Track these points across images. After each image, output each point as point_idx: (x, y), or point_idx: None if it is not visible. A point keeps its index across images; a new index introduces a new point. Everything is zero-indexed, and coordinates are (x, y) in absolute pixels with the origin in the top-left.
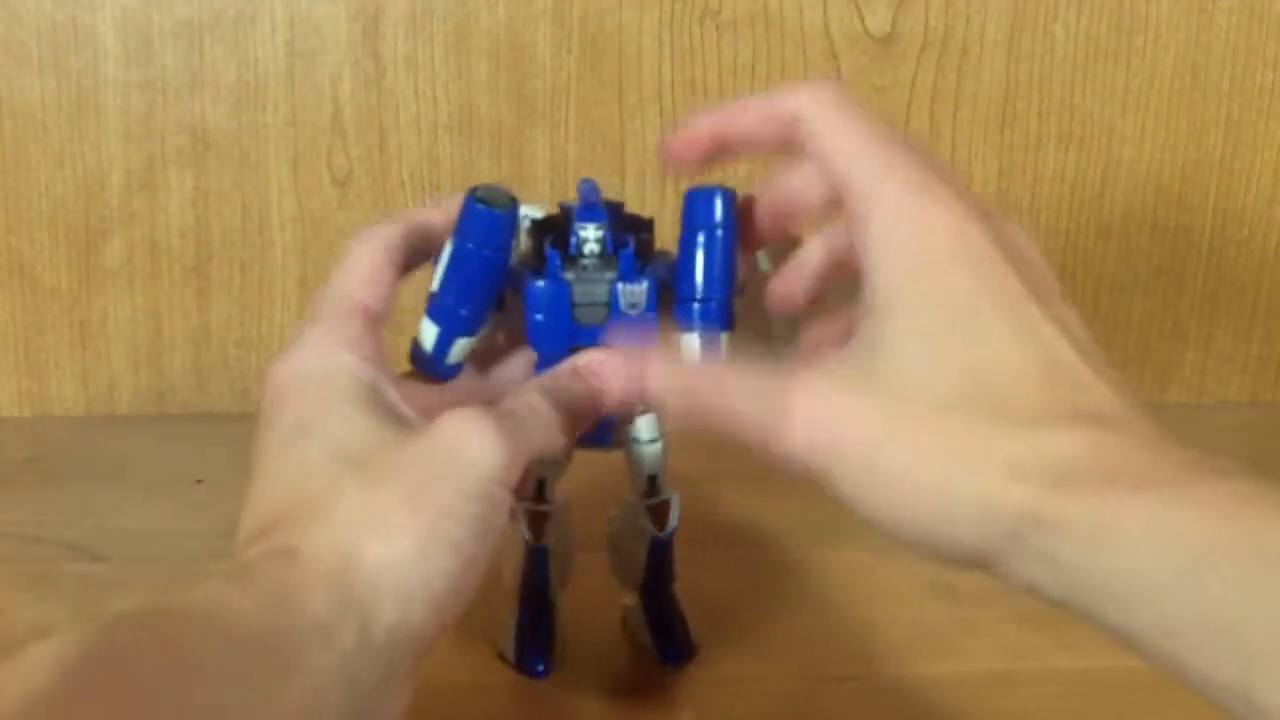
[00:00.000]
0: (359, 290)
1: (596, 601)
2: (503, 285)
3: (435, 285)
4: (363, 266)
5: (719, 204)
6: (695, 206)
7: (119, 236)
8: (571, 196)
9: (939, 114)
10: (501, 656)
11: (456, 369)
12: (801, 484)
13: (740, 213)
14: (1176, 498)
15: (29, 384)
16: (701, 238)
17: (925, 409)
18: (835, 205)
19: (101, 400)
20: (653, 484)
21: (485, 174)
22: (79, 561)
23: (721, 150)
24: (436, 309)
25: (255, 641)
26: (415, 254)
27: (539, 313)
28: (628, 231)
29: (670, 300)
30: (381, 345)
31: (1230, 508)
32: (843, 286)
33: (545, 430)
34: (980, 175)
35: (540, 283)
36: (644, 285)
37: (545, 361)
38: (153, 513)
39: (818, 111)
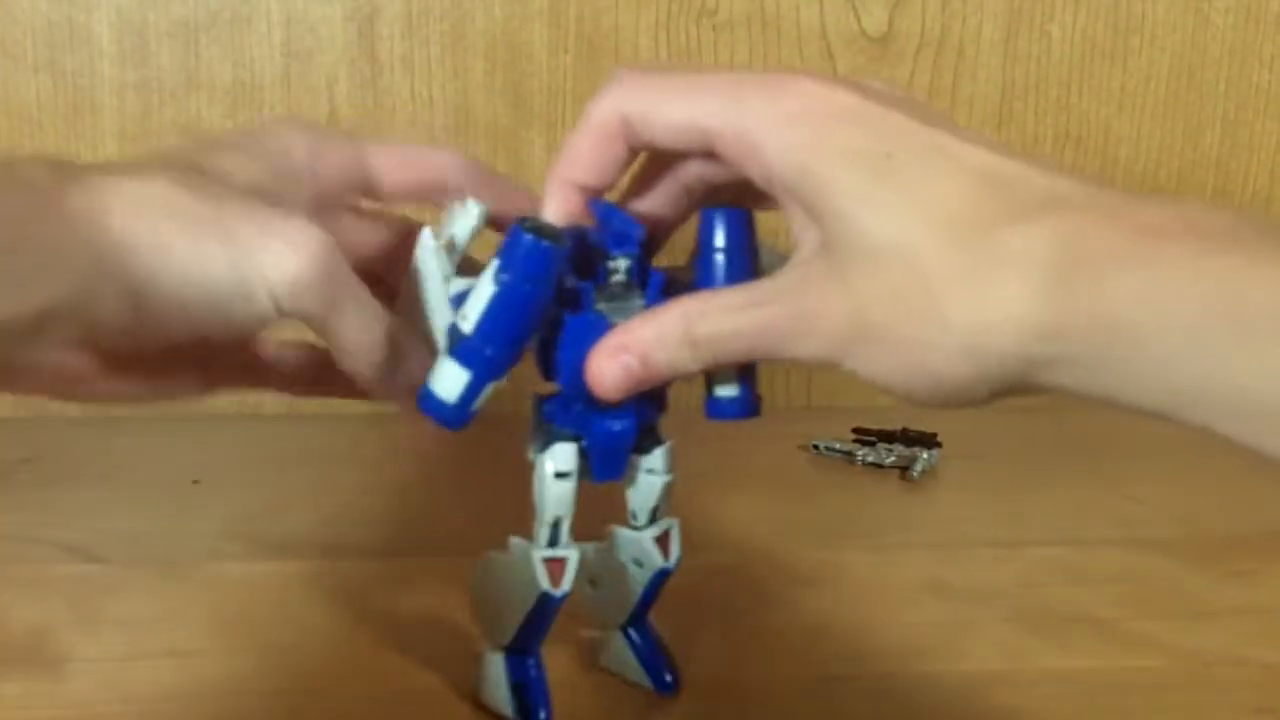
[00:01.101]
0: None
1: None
2: (539, 327)
3: (468, 326)
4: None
5: (735, 225)
6: (709, 228)
7: None
8: None
9: None
10: (484, 708)
11: (473, 418)
12: (801, 484)
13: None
14: (1172, 268)
15: None
16: (720, 259)
17: (890, 270)
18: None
19: None
20: (654, 515)
21: None
22: (76, 562)
23: (602, 188)
24: (468, 352)
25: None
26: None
27: (575, 346)
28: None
29: None
30: (349, 168)
31: (1226, 270)
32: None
33: (360, 335)
34: None
35: (580, 316)
36: None
37: (575, 395)
38: (150, 513)
39: (632, 102)
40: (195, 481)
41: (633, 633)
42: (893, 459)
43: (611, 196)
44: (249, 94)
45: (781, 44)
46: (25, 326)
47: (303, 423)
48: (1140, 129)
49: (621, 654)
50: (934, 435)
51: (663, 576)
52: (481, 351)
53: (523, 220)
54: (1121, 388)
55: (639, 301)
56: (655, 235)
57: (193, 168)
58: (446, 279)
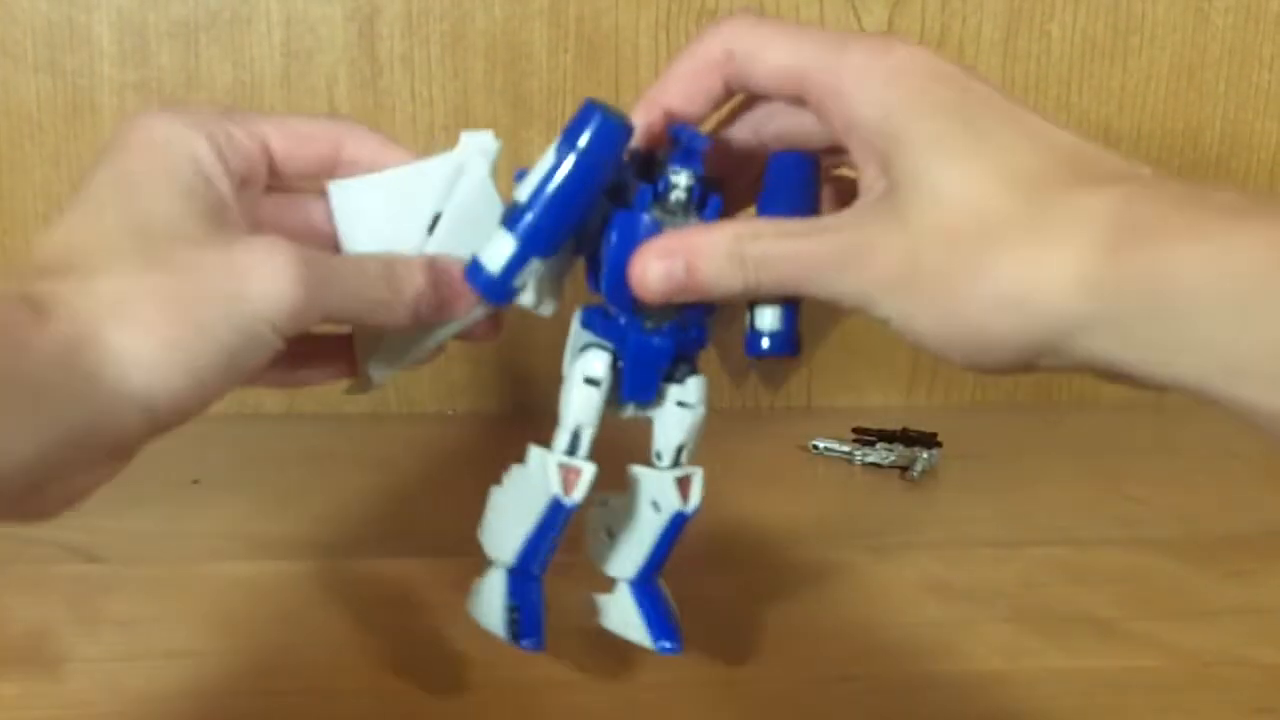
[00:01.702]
0: (274, 130)
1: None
2: (593, 209)
3: (522, 196)
4: (304, 126)
5: (800, 166)
6: (780, 168)
7: None
8: None
9: None
10: (476, 620)
11: (515, 294)
12: (801, 484)
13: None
14: (1227, 238)
15: None
16: (787, 199)
17: (954, 223)
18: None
19: None
20: (679, 455)
21: None
22: (76, 562)
23: (688, 118)
24: (516, 219)
25: None
26: (335, 167)
27: (623, 243)
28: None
29: None
30: (251, 174)
31: (1273, 245)
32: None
33: (368, 295)
34: None
35: (630, 213)
36: None
37: (615, 298)
38: (149, 513)
39: (743, 37)
40: (195, 481)
41: (640, 588)
42: (893, 459)
43: None
44: (249, 94)
45: None
46: (48, 467)
47: (303, 423)
48: (1140, 128)
49: (625, 612)
50: (934, 435)
51: (680, 522)
52: (528, 220)
53: (591, 99)
54: (1164, 357)
55: (695, 220)
56: (725, 179)
57: (137, 231)
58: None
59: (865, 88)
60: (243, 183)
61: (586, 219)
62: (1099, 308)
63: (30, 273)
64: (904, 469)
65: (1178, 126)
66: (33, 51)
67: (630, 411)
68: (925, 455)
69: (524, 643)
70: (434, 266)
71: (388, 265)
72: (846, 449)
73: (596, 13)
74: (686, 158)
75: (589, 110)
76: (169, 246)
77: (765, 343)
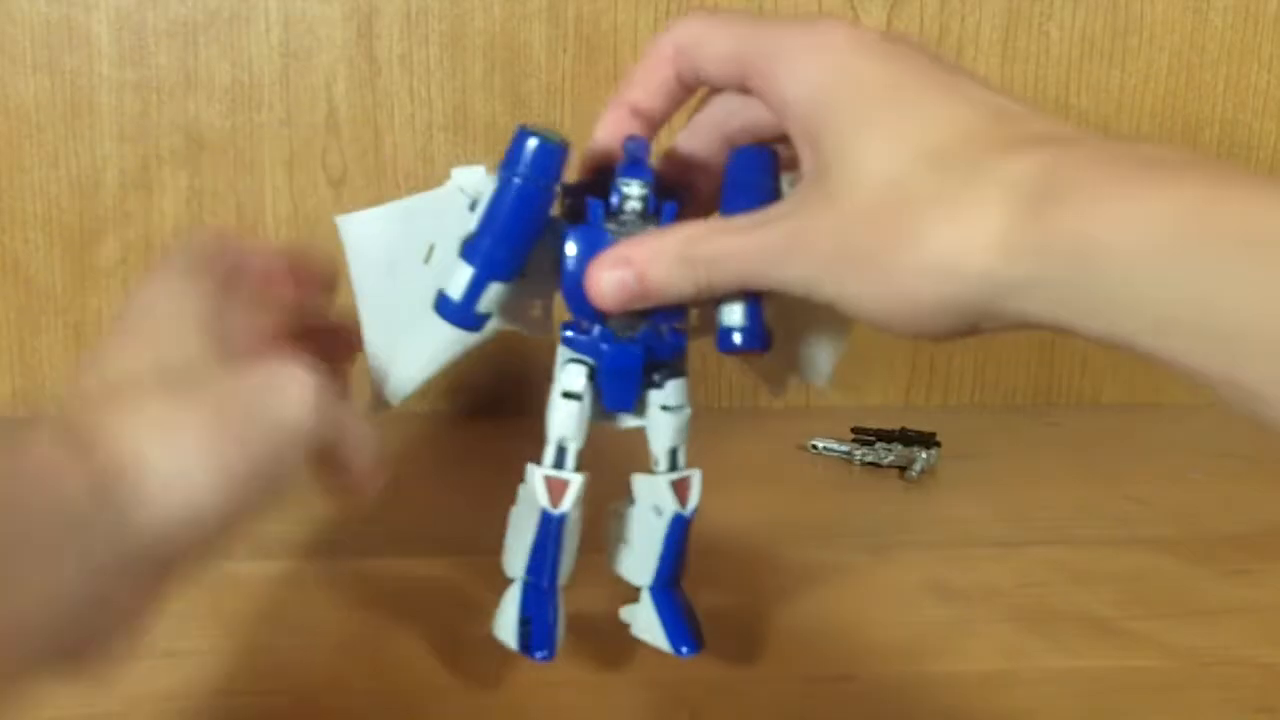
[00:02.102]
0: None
1: (590, 601)
2: (542, 231)
3: (473, 225)
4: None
5: (760, 161)
6: (740, 164)
7: (113, 236)
8: None
9: None
10: (496, 639)
11: (484, 320)
12: (800, 484)
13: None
14: (1148, 194)
15: (24, 384)
16: (742, 194)
17: (878, 194)
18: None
19: None
20: (673, 458)
21: None
22: None
23: (645, 124)
24: (472, 250)
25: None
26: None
27: (579, 257)
28: (666, 196)
29: None
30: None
31: (1203, 196)
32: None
33: (352, 442)
34: None
35: (582, 227)
36: None
37: (580, 311)
38: None
39: (689, 30)
40: None
41: (660, 594)
42: (891, 459)
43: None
44: (247, 93)
45: None
46: (100, 603)
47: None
48: (1139, 128)
49: (648, 619)
50: (933, 435)
51: (680, 524)
52: (481, 246)
53: (524, 124)
54: (1091, 314)
55: (652, 228)
56: (694, 181)
57: (166, 365)
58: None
59: (794, 68)
60: (254, 303)
61: (536, 239)
62: (1026, 270)
63: (70, 409)
64: (903, 469)
65: (1176, 126)
66: (31, 51)
67: (626, 422)
68: (924, 455)
69: (536, 655)
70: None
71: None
72: (845, 449)
73: (595, 12)
74: (634, 167)
75: (522, 135)
76: (190, 376)
77: (737, 338)
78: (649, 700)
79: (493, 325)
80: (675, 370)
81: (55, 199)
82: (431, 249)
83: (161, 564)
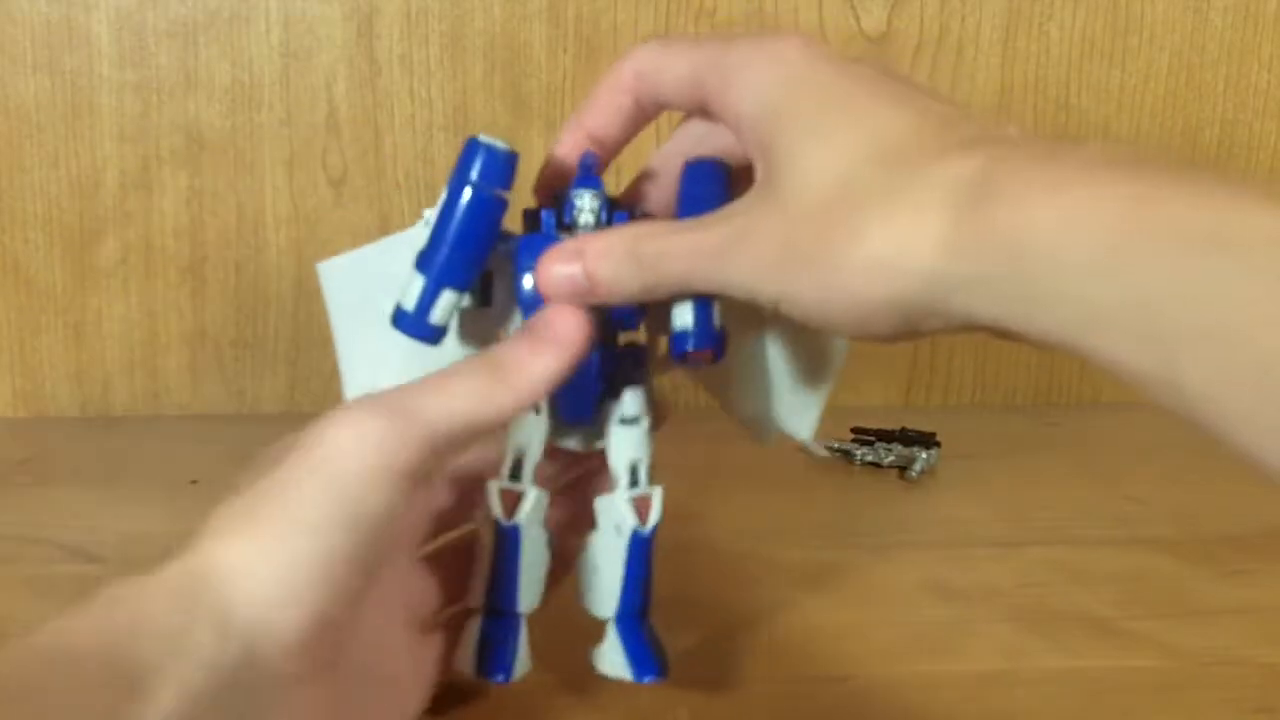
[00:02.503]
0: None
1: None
2: (494, 241)
3: (425, 236)
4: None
5: (715, 174)
6: (692, 176)
7: (114, 237)
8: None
9: None
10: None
11: (441, 333)
12: (799, 483)
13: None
14: (1086, 192)
15: (24, 385)
16: (697, 203)
17: (824, 196)
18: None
19: (96, 401)
20: (634, 475)
21: None
22: (74, 563)
23: (602, 150)
24: (424, 260)
25: (100, 663)
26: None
27: (528, 265)
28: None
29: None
30: None
31: (1141, 194)
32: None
33: (465, 397)
34: None
35: (536, 235)
36: None
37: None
38: (148, 514)
39: (647, 57)
40: (193, 482)
41: (624, 624)
42: (891, 459)
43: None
44: (248, 94)
45: None
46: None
47: (300, 422)
48: (1139, 128)
49: (612, 652)
50: (933, 435)
51: (639, 543)
52: (433, 256)
53: (476, 136)
54: (1032, 313)
55: None
56: (663, 208)
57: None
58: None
59: (746, 81)
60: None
61: (489, 246)
62: (966, 268)
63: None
64: (903, 469)
65: (1176, 126)
66: (31, 51)
67: (580, 443)
68: (924, 455)
69: (494, 677)
70: (530, 326)
71: (472, 360)
72: (845, 448)
73: (595, 12)
74: (587, 179)
75: (472, 144)
76: (256, 467)
77: (690, 342)
78: (647, 700)
79: (465, 355)
80: (632, 379)
81: (55, 199)
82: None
83: (288, 653)
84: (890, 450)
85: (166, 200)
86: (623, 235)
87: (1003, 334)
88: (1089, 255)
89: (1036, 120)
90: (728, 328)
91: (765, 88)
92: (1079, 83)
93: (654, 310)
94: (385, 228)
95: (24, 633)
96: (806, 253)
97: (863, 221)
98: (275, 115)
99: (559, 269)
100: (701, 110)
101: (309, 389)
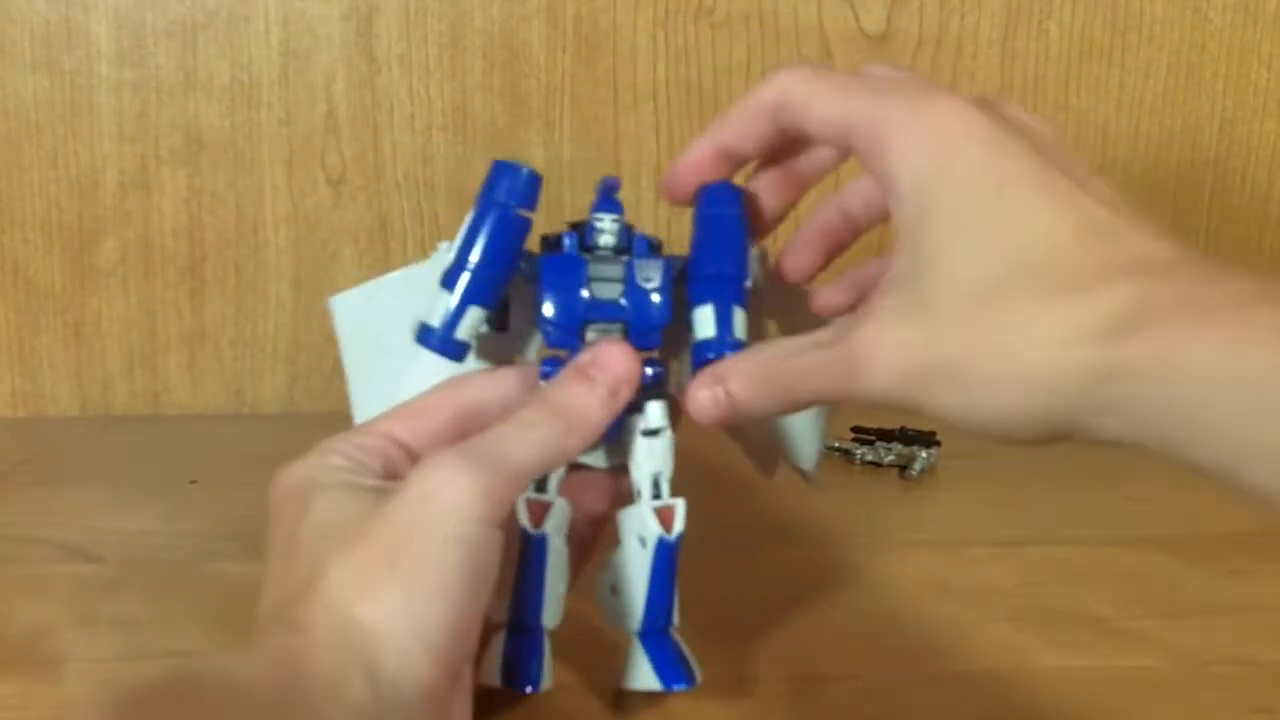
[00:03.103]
0: (393, 421)
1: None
2: (519, 259)
3: (452, 253)
4: (418, 401)
5: (731, 194)
6: (710, 198)
7: (113, 237)
8: (567, 194)
9: None
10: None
11: (466, 349)
12: (799, 482)
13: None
14: (1238, 327)
15: (23, 384)
16: (715, 224)
17: (973, 305)
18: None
19: (96, 401)
20: (656, 486)
21: (480, 173)
22: (73, 562)
23: (730, 165)
24: (450, 277)
25: (271, 703)
26: (474, 420)
27: (552, 283)
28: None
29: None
30: (390, 462)
31: None
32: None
33: (540, 445)
34: None
35: (556, 255)
36: (659, 261)
37: (556, 341)
38: (147, 513)
39: (796, 88)
40: (193, 481)
41: (650, 639)
42: (891, 457)
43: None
44: (247, 93)
45: (780, 42)
46: None
47: (300, 422)
48: (1138, 127)
49: (639, 665)
50: (933, 434)
51: (665, 551)
52: (459, 274)
53: (500, 159)
54: (1178, 443)
55: (625, 259)
56: (764, 219)
57: (330, 544)
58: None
59: (902, 149)
60: (386, 469)
61: (513, 266)
62: (1115, 395)
63: (264, 628)
64: (903, 468)
65: (1176, 125)
66: (30, 51)
67: (601, 459)
68: (924, 454)
69: (523, 689)
70: (584, 368)
71: (540, 403)
72: (845, 447)
73: (594, 12)
74: (607, 203)
75: (498, 166)
76: (355, 527)
77: (712, 350)
78: (649, 701)
79: None
80: (654, 394)
81: (55, 199)
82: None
83: (425, 701)
84: (890, 449)
85: (166, 200)
86: (759, 359)
87: (1147, 452)
88: (1236, 396)
89: None
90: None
91: (921, 164)
92: (1078, 81)
93: (672, 328)
94: (384, 227)
95: (194, 668)
96: (953, 364)
97: (1015, 337)
98: (274, 115)
99: (703, 394)
100: (842, 148)
101: (308, 388)
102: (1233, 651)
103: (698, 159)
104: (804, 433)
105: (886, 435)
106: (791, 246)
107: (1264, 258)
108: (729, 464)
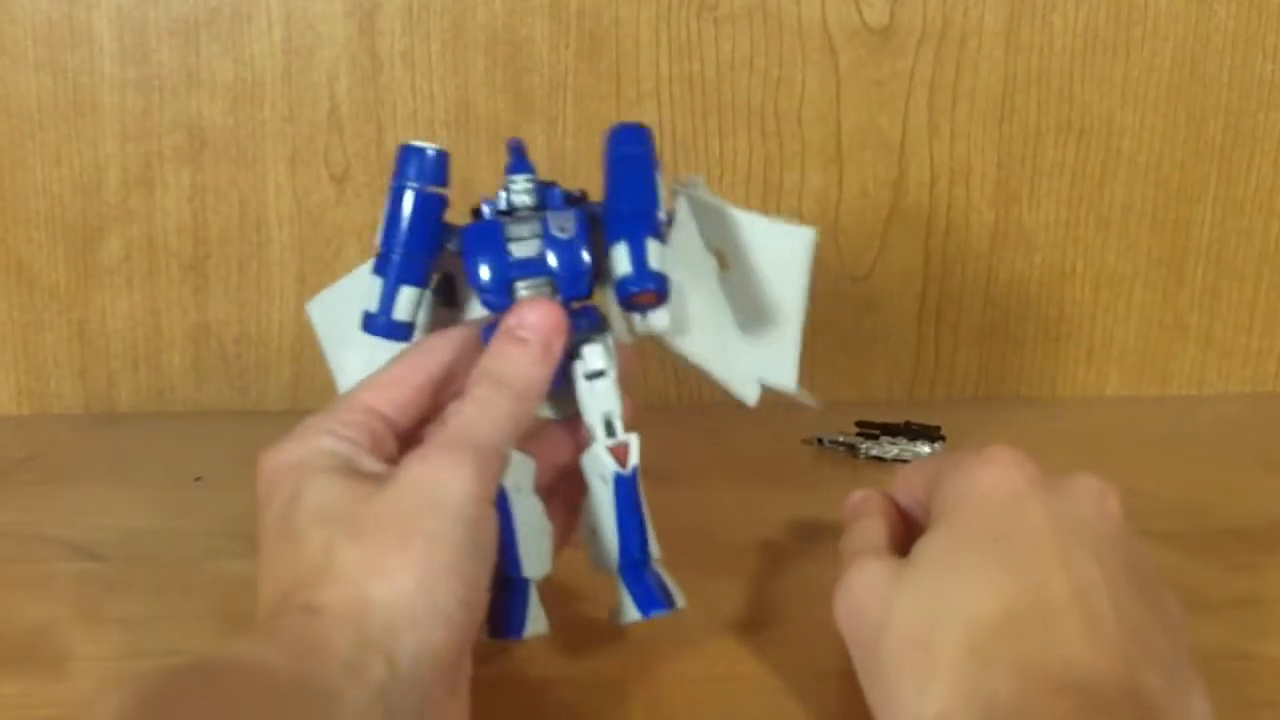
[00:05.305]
0: (370, 393)
1: (589, 601)
2: (441, 235)
3: (377, 241)
4: (386, 372)
5: (638, 134)
6: (616, 139)
7: (117, 234)
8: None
9: (937, 106)
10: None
11: (409, 329)
12: (804, 477)
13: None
14: None
15: (28, 382)
16: (623, 163)
17: (920, 623)
18: None
19: (100, 398)
20: (610, 427)
21: (483, 169)
22: (78, 560)
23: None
24: (379, 262)
25: (292, 686)
26: (444, 382)
27: (475, 249)
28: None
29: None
30: (375, 437)
31: None
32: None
33: (503, 419)
34: (979, 167)
35: (476, 224)
36: (571, 212)
37: (490, 304)
38: (151, 511)
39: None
40: (197, 479)
41: (628, 572)
42: (896, 452)
43: None
44: (249, 90)
45: (783, 37)
46: None
47: (304, 419)
48: (1143, 120)
49: (622, 599)
50: (937, 428)
51: (623, 486)
52: (387, 256)
53: (406, 141)
54: None
55: (541, 215)
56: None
57: (332, 527)
58: None
59: (948, 487)
60: (374, 446)
61: (437, 241)
62: None
63: (274, 613)
64: (907, 463)
65: (1181, 118)
66: (33, 50)
67: (555, 411)
68: (929, 449)
69: (507, 637)
70: (513, 330)
71: (488, 379)
72: (850, 442)
73: (597, 7)
74: (518, 164)
75: (405, 149)
76: (359, 511)
77: (632, 284)
78: (650, 696)
79: None
80: (591, 338)
81: (58, 197)
82: None
83: (442, 674)
84: (895, 444)
85: (169, 197)
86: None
87: None
88: None
89: (1040, 113)
90: (674, 275)
91: (948, 498)
92: (1082, 74)
93: (605, 276)
94: None
95: (214, 655)
96: (878, 656)
97: (909, 688)
98: (277, 112)
99: None
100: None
101: (313, 385)
102: (1237, 646)
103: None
104: (776, 345)
105: (891, 430)
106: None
107: (1269, 250)
108: (734, 458)
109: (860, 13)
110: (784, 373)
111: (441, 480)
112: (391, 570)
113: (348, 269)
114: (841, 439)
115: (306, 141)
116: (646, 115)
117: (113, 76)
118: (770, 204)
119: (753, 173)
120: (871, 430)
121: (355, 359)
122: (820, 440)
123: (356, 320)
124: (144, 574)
